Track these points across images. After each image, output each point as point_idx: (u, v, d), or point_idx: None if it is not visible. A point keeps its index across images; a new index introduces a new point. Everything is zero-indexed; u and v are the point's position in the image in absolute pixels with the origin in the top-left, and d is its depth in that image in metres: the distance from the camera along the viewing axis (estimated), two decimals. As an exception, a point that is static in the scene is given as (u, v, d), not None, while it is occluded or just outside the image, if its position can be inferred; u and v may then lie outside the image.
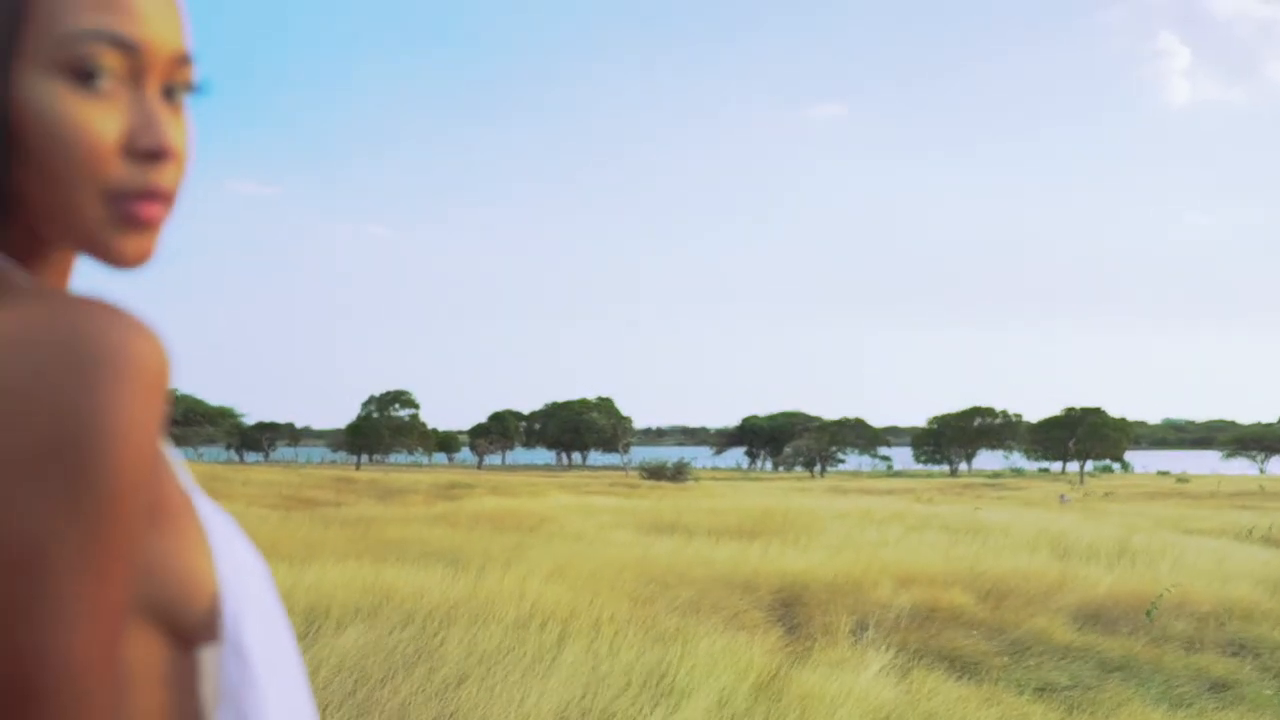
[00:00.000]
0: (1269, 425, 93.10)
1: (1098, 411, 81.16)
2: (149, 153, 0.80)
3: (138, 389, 0.70)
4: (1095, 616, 9.53)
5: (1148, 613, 9.16)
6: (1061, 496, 36.25)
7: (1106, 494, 41.20)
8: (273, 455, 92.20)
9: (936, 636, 8.79)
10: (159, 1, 0.81)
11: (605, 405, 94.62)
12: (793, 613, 9.57)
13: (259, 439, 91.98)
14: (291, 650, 0.87)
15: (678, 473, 51.74)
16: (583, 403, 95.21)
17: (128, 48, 0.79)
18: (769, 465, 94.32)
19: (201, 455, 77.09)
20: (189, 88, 0.84)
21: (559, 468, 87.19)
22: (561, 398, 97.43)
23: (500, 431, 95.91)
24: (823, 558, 12.44)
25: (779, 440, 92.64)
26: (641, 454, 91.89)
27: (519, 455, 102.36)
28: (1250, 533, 18.89)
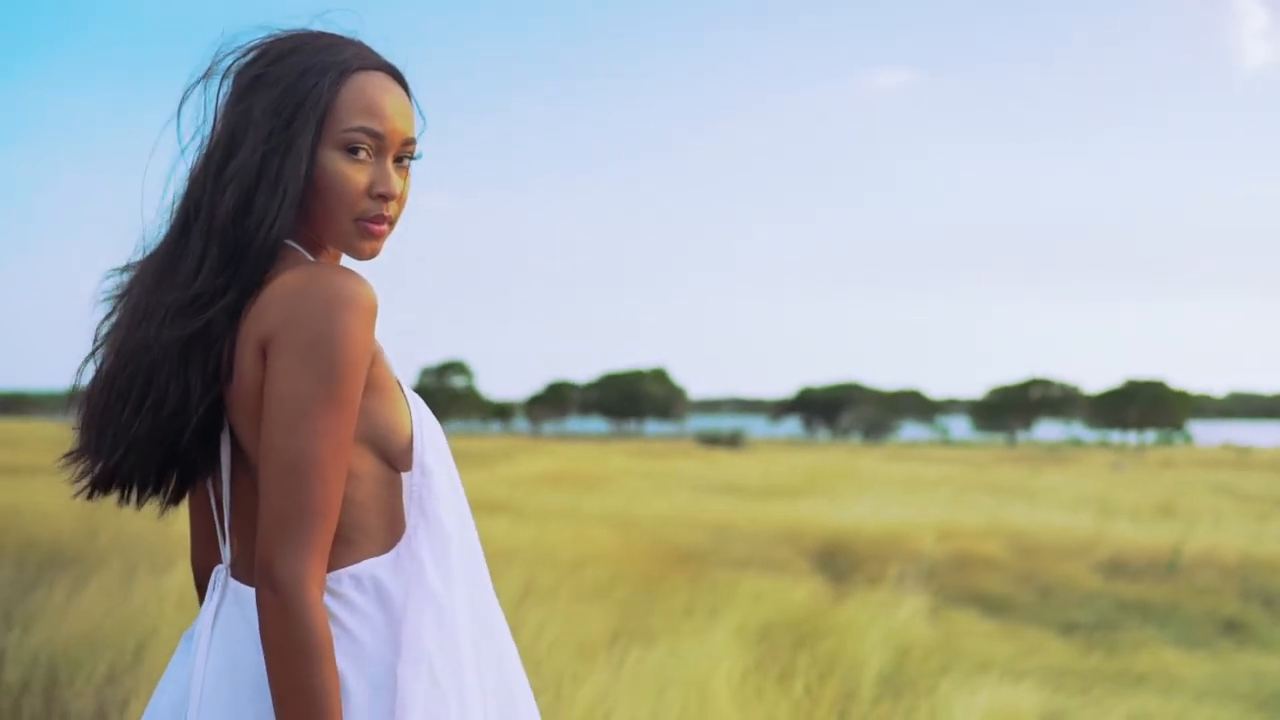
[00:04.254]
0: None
1: (1158, 384, 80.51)
2: (381, 195, 1.43)
3: (359, 314, 1.31)
4: (1124, 567, 9.99)
5: (1168, 564, 9.60)
6: (1115, 464, 36.30)
7: (1164, 463, 41.13)
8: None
9: (970, 581, 9.30)
10: (399, 107, 1.44)
11: (660, 375, 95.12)
12: (836, 562, 10.11)
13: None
14: (455, 472, 1.52)
15: (733, 440, 52.19)
16: (637, 373, 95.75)
17: (377, 136, 1.42)
18: (825, 435, 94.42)
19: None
20: (411, 157, 1.47)
21: (614, 436, 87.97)
22: (616, 368, 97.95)
23: (556, 401, 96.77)
24: (869, 514, 12.95)
25: (835, 410, 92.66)
26: (697, 424, 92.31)
27: (574, 424, 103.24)
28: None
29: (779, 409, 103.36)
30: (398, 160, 1.45)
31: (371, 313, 1.32)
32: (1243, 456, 49.55)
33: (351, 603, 1.36)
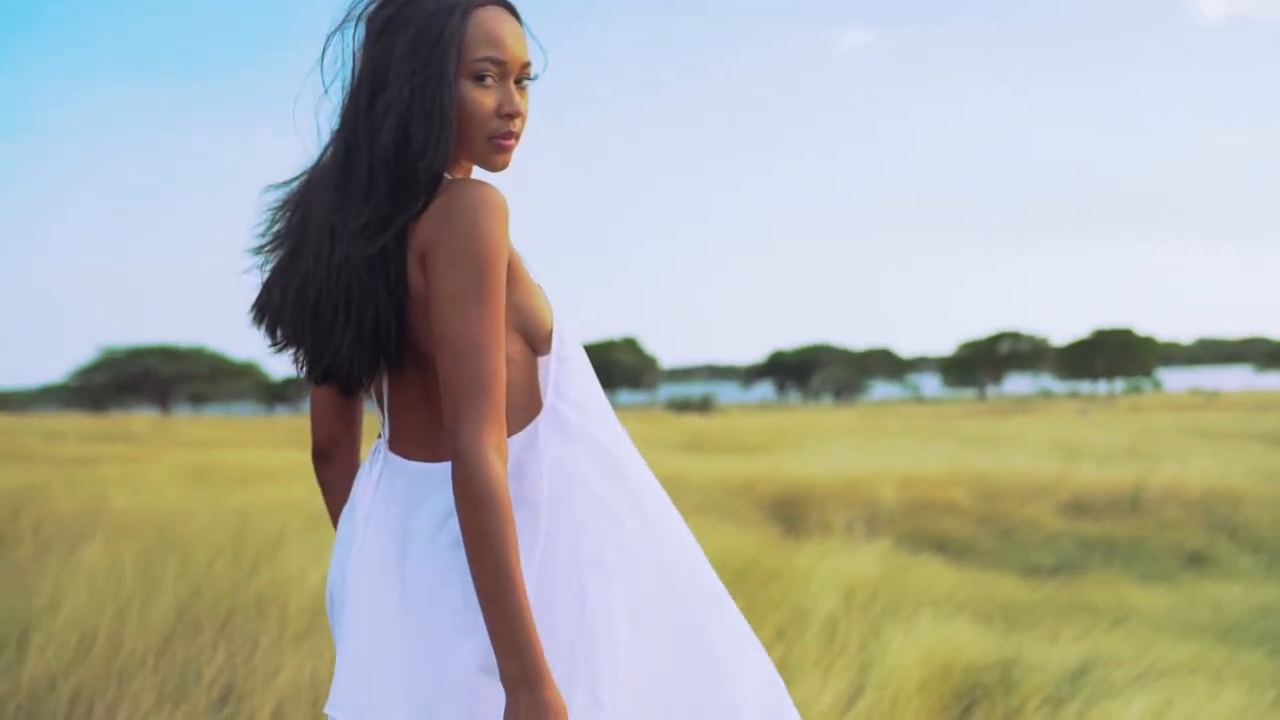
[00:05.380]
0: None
1: (1126, 332, 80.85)
2: (508, 115, 1.66)
3: (495, 216, 1.56)
4: (1087, 507, 9.75)
5: (1132, 499, 9.37)
6: (1082, 411, 36.33)
7: (1132, 408, 41.20)
8: (302, 408, 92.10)
9: (930, 526, 9.04)
10: (516, 36, 1.67)
11: (631, 345, 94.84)
12: (792, 512, 9.84)
13: (288, 392, 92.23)
14: (590, 367, 1.78)
15: (704, 405, 52.04)
16: (608, 343, 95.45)
17: (500, 64, 1.66)
18: (797, 398, 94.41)
19: (230, 410, 76.71)
20: (529, 78, 1.70)
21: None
22: (586, 339, 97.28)
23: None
24: (829, 466, 12.68)
25: (807, 373, 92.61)
26: (669, 391, 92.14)
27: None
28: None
29: (751, 374, 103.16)
30: (517, 82, 1.68)
31: (505, 213, 1.58)
32: (1210, 400, 49.80)
33: None
